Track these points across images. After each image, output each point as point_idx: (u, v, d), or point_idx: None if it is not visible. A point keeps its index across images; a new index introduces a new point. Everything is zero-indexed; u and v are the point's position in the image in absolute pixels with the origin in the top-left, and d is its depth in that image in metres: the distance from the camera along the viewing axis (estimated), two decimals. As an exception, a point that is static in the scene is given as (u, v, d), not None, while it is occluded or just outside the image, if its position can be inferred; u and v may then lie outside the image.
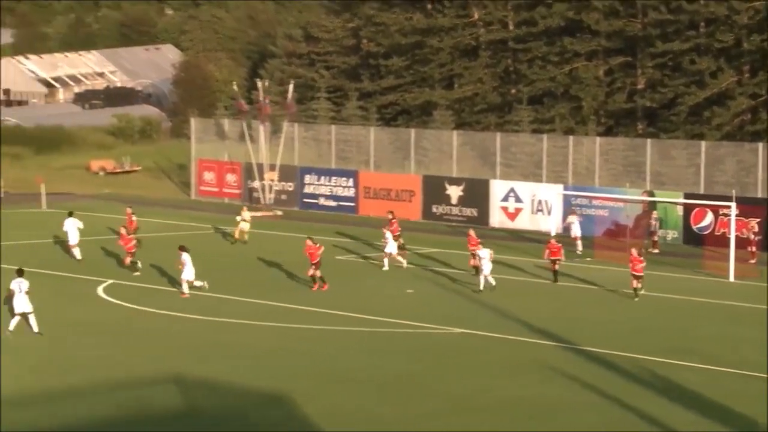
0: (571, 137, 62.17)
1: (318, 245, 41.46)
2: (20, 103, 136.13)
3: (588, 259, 48.97)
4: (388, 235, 47.61)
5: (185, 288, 38.34)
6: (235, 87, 75.09)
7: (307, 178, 67.18)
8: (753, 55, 65.39)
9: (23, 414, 25.62)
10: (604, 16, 69.85)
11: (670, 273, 45.51)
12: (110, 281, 41.92)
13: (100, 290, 40.44)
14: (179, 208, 65.97)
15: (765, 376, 28.61)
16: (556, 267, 42.13)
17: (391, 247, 46.59)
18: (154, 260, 44.73)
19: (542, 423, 25.11)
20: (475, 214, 59.81)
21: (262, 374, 29.08)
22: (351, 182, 65.32)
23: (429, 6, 78.57)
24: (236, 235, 51.56)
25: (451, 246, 51.00)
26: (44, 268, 42.79)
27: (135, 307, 38.14)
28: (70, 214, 48.37)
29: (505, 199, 59.51)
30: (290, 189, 67.18)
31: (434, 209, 61.58)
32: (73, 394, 27.34)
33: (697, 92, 65.74)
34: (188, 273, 38.20)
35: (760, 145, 54.91)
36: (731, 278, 43.80)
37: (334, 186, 65.94)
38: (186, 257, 38.18)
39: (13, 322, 34.25)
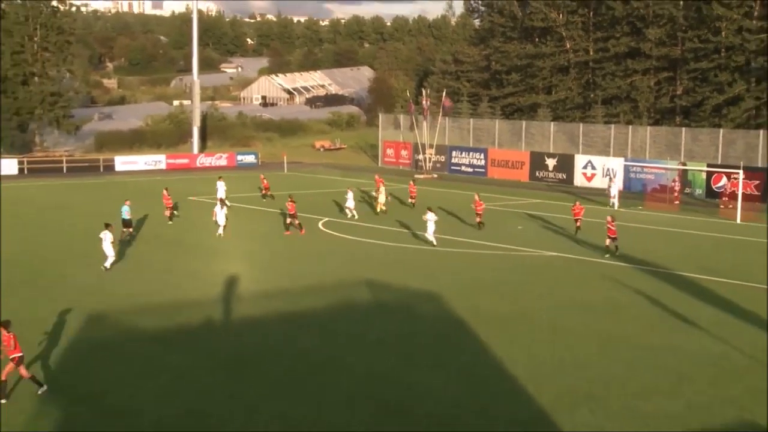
0: (630, 126, 65.48)
1: (481, 202, 41.72)
2: (272, 104, 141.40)
3: (639, 207, 51.02)
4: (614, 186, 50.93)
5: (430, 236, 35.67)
6: (407, 94, 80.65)
7: (454, 153, 71.90)
8: (758, 71, 66.73)
9: (271, 302, 26.96)
10: (654, 45, 71.90)
11: (697, 218, 47.50)
12: (326, 219, 43.88)
13: (320, 225, 42.22)
14: (371, 172, 66.50)
15: (764, 286, 29.19)
16: (579, 224, 39.63)
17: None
18: (357, 207, 45.66)
19: (602, 317, 25.81)
20: (564, 177, 64.17)
21: (425, 282, 29.73)
22: (482, 156, 70.16)
23: (536, 39, 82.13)
24: (378, 208, 46.90)
25: (548, 198, 54.10)
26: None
27: (343, 236, 39.36)
28: (219, 178, 49.10)
29: (585, 167, 63.56)
30: (442, 160, 72.04)
31: (537, 174, 66.00)
32: (304, 292, 28.48)
33: (718, 96, 67.78)
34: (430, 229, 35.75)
35: (761, 132, 57.65)
36: (738, 220, 45.92)
37: (472, 158, 70.99)
38: (432, 216, 35.85)
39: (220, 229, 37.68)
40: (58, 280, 30.56)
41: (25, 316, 25.29)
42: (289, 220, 40.12)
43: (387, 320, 25.53)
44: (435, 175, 69.00)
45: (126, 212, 37.81)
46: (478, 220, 41.37)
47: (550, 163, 65.63)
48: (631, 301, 27.96)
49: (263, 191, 52.63)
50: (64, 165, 72.39)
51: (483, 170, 69.49)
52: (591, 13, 78.78)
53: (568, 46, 79.92)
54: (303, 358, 21.78)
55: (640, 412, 18.29)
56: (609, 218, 35.68)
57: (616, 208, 50.28)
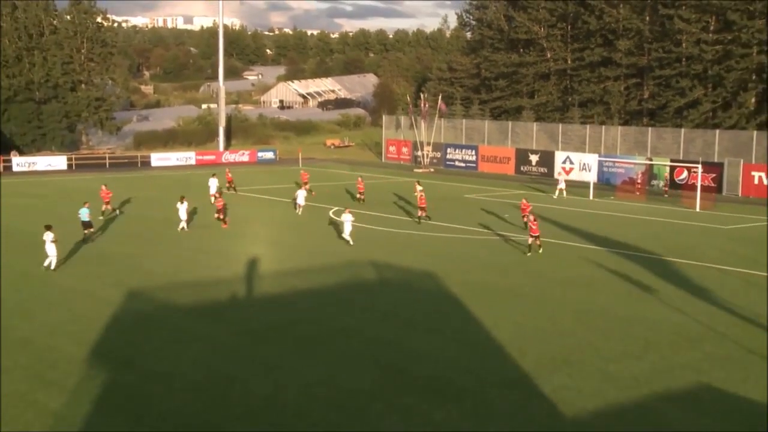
0: (603, 126, 65.59)
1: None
2: (289, 107, 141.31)
3: (612, 197, 50.98)
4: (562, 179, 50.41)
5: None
6: (407, 98, 79.39)
7: (449, 150, 71.32)
8: (714, 78, 65.93)
9: (288, 280, 26.89)
10: (624, 55, 71.39)
11: (662, 206, 47.37)
12: (336, 208, 42.93)
13: (330, 213, 42.04)
14: (375, 167, 70.00)
15: (724, 267, 29.43)
16: (526, 218, 35.81)
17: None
18: (367, 197, 46.04)
19: (579, 291, 25.99)
20: (546, 171, 63.67)
21: (423, 262, 29.84)
22: (474, 152, 69.67)
23: (521, 50, 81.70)
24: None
25: (531, 190, 53.27)
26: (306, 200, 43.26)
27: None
28: (213, 175, 46.34)
29: (564, 162, 62.78)
30: (439, 156, 71.63)
31: (522, 168, 65.57)
32: (318, 271, 28.56)
33: (679, 100, 67.06)
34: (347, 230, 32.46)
35: (717, 131, 57.79)
36: (697, 209, 45.73)
37: (464, 154, 70.50)
38: (349, 217, 32.81)
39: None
40: (104, 258, 30.74)
41: (77, 289, 25.73)
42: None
43: (390, 294, 25.65)
44: (432, 169, 68.93)
45: (86, 214, 33.73)
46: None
47: (533, 158, 65.62)
48: (604, 277, 28.16)
49: (227, 185, 49.72)
50: (107, 161, 72.55)
51: (474, 165, 69.39)
52: (569, 27, 78.32)
53: (548, 55, 79.63)
54: (317, 327, 21.85)
55: (612, 374, 18.39)
56: (531, 217, 33.30)
57: (558, 197, 49.90)
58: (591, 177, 54.64)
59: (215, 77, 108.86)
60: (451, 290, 25.91)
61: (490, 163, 68.45)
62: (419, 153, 71.69)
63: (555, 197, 50.11)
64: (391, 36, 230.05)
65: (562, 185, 51.06)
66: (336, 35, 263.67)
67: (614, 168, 59.68)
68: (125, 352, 19.71)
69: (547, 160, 64.45)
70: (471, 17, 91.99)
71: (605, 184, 57.33)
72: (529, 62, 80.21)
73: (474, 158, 69.75)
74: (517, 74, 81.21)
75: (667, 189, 53.68)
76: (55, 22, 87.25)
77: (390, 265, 29.60)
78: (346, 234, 33.34)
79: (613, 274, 28.58)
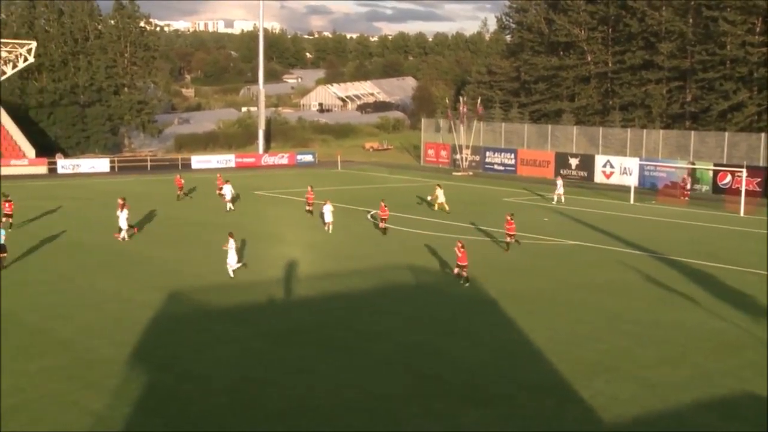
0: (644, 130, 64.86)
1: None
2: (328, 110, 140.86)
3: (653, 202, 50.60)
4: (560, 183, 49.05)
5: (230, 271, 27.60)
6: (446, 101, 79.68)
7: (488, 153, 71.17)
8: (759, 81, 65.26)
9: (323, 283, 27.08)
10: (666, 58, 70.61)
11: (704, 211, 46.78)
12: (374, 210, 41.83)
13: (368, 216, 42.22)
14: (414, 170, 70.22)
15: (763, 272, 28.92)
16: (510, 239, 33.22)
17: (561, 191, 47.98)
18: (399, 200, 45.97)
19: (615, 296, 25.72)
20: (586, 175, 63.40)
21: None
22: (513, 156, 69.44)
23: (561, 52, 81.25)
24: (436, 207, 44.52)
25: (570, 193, 51.69)
26: (342, 203, 44.29)
27: (388, 226, 37.58)
28: (227, 181, 45.14)
29: (604, 166, 62.75)
30: (477, 159, 71.38)
31: (561, 171, 63.74)
32: (353, 274, 28.64)
33: (723, 103, 66.44)
34: (231, 258, 27.63)
35: (762, 135, 56.81)
36: (742, 213, 45.25)
37: (503, 158, 70.31)
38: (232, 243, 27.77)
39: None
40: (142, 260, 31.14)
41: (115, 292, 26.06)
42: (308, 208, 41.30)
43: (425, 299, 25.54)
44: (470, 173, 68.79)
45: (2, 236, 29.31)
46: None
47: (573, 162, 65.17)
48: (642, 282, 27.85)
49: (178, 191, 48.82)
50: (149, 163, 73.46)
51: (513, 168, 69.13)
52: (610, 30, 77.70)
53: (589, 58, 79.21)
54: (351, 331, 21.88)
55: (650, 381, 18.13)
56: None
57: (557, 202, 48.97)
58: (632, 181, 54.30)
59: (255, 80, 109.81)
60: (487, 295, 25.80)
61: (529, 166, 68.08)
62: (458, 156, 71.60)
63: (554, 202, 48.90)
64: (430, 39, 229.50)
65: (560, 190, 49.38)
66: (375, 38, 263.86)
67: (655, 172, 59.13)
68: (163, 353, 19.92)
69: (587, 163, 64.04)
70: (511, 20, 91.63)
71: (647, 188, 56.89)
72: (569, 65, 79.88)
73: (513, 162, 69.43)
74: (556, 77, 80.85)
75: (687, 191, 53.24)
76: (99, 26, 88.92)
77: (426, 269, 29.52)
78: (231, 263, 27.96)
79: (651, 279, 28.32)
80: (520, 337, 21.33)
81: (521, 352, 20.17)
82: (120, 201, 35.58)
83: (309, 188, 44.48)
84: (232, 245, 27.46)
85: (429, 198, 47.22)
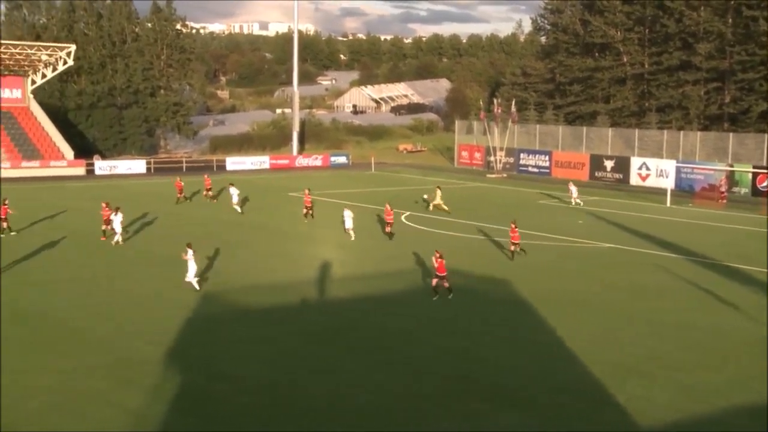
0: (681, 132, 63.74)
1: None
2: (362, 112, 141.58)
3: (690, 204, 49.99)
4: (573, 188, 48.70)
5: (195, 284, 25.91)
6: (480, 103, 79.13)
7: (522, 155, 70.60)
8: None
9: (356, 285, 27.14)
10: (704, 58, 70.18)
11: (742, 213, 46.15)
12: (408, 213, 42.79)
13: (403, 218, 41.38)
14: (447, 172, 69.92)
15: None
16: (515, 248, 31.64)
17: (574, 191, 47.95)
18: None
19: (651, 299, 25.41)
20: (621, 177, 62.63)
21: (494, 267, 29.81)
22: (547, 158, 68.80)
23: (596, 54, 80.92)
24: (431, 207, 44.30)
25: (606, 196, 52.70)
26: (375, 204, 44.87)
27: (422, 228, 39.06)
28: (231, 184, 44.98)
29: (640, 168, 61.91)
30: (512, 161, 70.92)
31: (596, 174, 64.36)
32: (386, 276, 28.71)
33: (763, 104, 66.39)
34: (191, 270, 25.99)
35: None
36: None
37: (538, 160, 69.60)
38: (191, 254, 26.01)
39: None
40: (177, 261, 31.20)
41: (149, 293, 26.23)
42: (305, 211, 40.60)
43: (460, 302, 25.31)
44: (505, 175, 68.36)
45: None
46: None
47: (608, 164, 64.61)
48: (679, 286, 27.57)
49: (178, 194, 47.64)
50: (184, 165, 74.01)
51: (548, 170, 68.66)
52: (646, 30, 77.20)
53: (625, 60, 78.61)
54: (381, 332, 21.91)
55: (687, 386, 17.96)
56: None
57: (577, 204, 48.62)
58: (668, 183, 53.70)
59: (290, 82, 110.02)
60: (522, 297, 25.64)
61: (563, 168, 67.48)
62: (492, 158, 71.30)
63: (573, 204, 48.61)
64: (464, 41, 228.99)
65: (575, 194, 49.01)
66: (409, 40, 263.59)
67: (693, 174, 58.40)
68: (198, 353, 20.03)
69: (622, 165, 63.46)
70: (546, 21, 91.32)
71: (684, 190, 56.23)
72: (605, 66, 79.49)
73: (547, 164, 68.93)
74: (592, 79, 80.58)
75: (725, 194, 52.38)
76: (137, 29, 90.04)
77: (460, 271, 28.97)
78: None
79: (688, 282, 28.07)
80: (554, 340, 21.16)
81: (558, 355, 20.03)
82: (114, 208, 34.67)
83: (306, 191, 42.33)
84: (191, 255, 25.91)
85: (425, 197, 47.15)
